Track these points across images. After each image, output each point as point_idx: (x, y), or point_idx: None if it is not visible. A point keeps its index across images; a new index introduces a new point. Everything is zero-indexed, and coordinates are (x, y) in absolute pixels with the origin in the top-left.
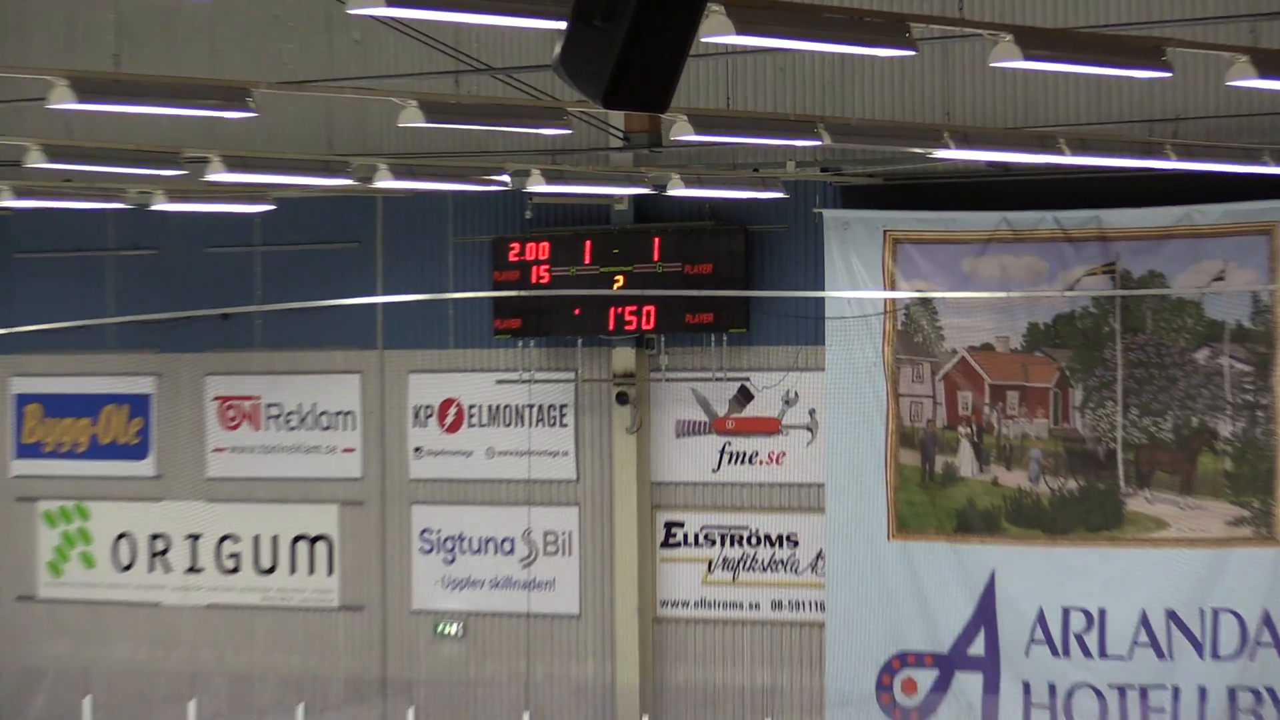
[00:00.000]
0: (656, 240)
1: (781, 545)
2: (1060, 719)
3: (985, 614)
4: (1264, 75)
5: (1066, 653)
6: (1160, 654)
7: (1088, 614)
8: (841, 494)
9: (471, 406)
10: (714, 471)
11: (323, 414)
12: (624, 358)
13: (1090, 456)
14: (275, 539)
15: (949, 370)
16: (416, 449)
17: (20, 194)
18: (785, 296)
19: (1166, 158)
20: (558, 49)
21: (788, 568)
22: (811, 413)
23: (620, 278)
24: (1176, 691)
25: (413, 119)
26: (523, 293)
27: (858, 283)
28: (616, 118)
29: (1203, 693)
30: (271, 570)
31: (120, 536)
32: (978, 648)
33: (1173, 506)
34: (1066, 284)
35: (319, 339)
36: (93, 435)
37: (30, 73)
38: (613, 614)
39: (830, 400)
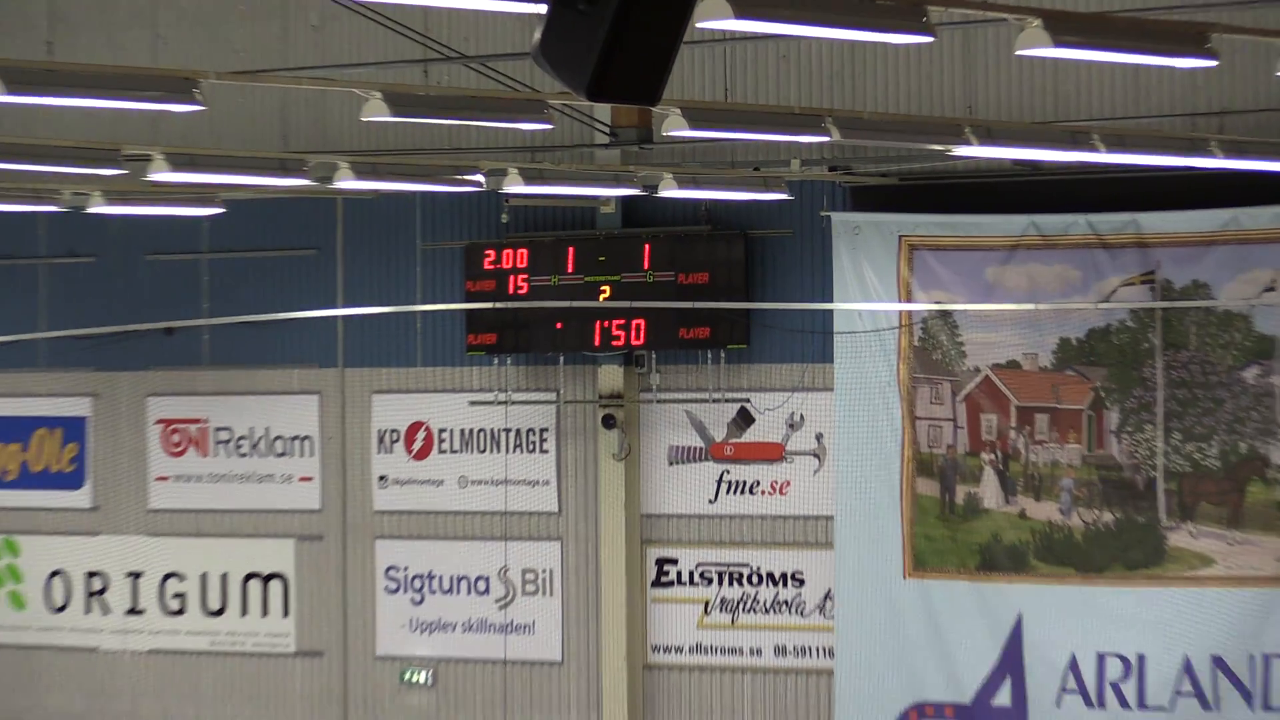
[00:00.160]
0: (647, 246)
1: (786, 584)
2: None
3: (1012, 660)
4: None
5: (1102, 703)
6: (1206, 705)
7: (1125, 660)
8: (852, 528)
9: (442, 431)
10: (711, 503)
11: (277, 439)
12: (611, 377)
13: (1128, 486)
14: (224, 577)
15: (971, 391)
16: (381, 478)
17: None
18: (789, 309)
19: (1211, 155)
20: (537, 35)
21: (793, 609)
22: (819, 437)
23: (607, 288)
24: None
25: (377, 112)
26: (499, 305)
27: (870, 294)
28: (603, 111)
29: None
30: (220, 612)
31: (53, 574)
32: (1003, 698)
33: (1219, 542)
34: (1101, 295)
35: (273, 356)
36: (23, 462)
37: None
38: (598, 661)
39: (839, 424)
